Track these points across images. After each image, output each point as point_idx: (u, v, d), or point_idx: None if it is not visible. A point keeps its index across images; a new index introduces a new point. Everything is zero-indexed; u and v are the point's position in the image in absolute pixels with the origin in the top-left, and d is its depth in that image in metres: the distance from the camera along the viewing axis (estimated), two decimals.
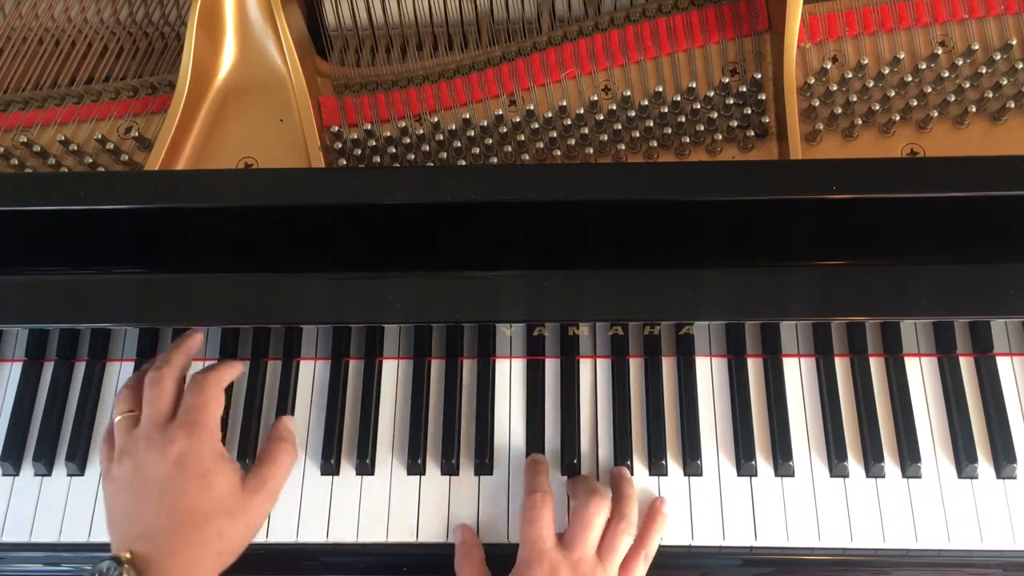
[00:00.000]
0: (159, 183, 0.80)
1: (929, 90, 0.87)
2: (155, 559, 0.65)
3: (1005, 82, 0.87)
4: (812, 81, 0.89)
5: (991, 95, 0.86)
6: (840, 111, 0.87)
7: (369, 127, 0.91)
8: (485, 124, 0.89)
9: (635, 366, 0.88)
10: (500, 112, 0.90)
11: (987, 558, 0.81)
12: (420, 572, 0.85)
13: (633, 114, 0.88)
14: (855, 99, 0.88)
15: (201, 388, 0.75)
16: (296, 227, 0.80)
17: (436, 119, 0.89)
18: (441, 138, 0.88)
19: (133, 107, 0.95)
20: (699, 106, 0.88)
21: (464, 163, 0.88)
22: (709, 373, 0.87)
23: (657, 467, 0.83)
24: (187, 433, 0.71)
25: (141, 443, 0.71)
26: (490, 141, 0.88)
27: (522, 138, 0.87)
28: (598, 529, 0.77)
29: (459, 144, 0.89)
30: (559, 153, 0.87)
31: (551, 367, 0.89)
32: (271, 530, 0.83)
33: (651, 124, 0.87)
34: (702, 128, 0.86)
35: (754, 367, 0.87)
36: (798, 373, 0.87)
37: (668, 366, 0.88)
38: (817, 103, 0.88)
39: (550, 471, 0.83)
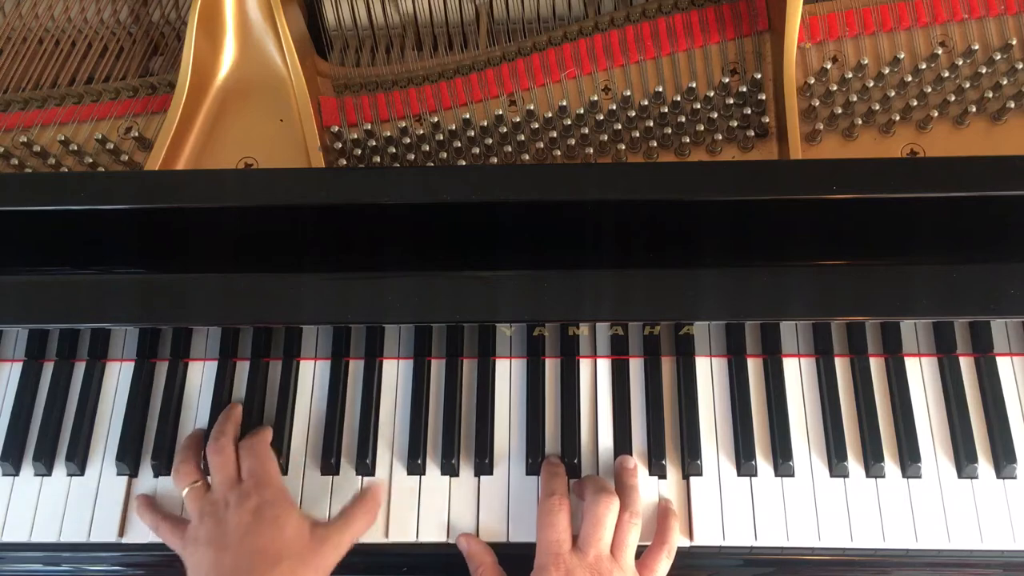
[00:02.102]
0: (159, 183, 0.80)
1: (929, 90, 0.87)
2: None
3: (1005, 82, 0.87)
4: (812, 81, 0.89)
5: (991, 95, 0.86)
6: (840, 111, 0.87)
7: (369, 127, 0.91)
8: (485, 124, 0.89)
9: (635, 366, 0.88)
10: (500, 112, 0.90)
11: (987, 558, 0.81)
12: (420, 572, 0.85)
13: (633, 114, 0.88)
14: (855, 99, 0.88)
15: (254, 452, 0.81)
16: (296, 227, 0.80)
17: (436, 119, 0.89)
18: (441, 138, 0.88)
19: (133, 107, 0.95)
20: (699, 106, 0.88)
21: (464, 163, 0.88)
22: (709, 373, 0.87)
23: (657, 467, 0.83)
24: (259, 489, 0.78)
25: (220, 502, 0.78)
26: (490, 141, 0.88)
27: (522, 138, 0.87)
28: (610, 527, 0.77)
29: (459, 144, 0.89)
30: (559, 153, 0.87)
31: (551, 367, 0.89)
32: None
33: (651, 124, 0.87)
34: (702, 128, 0.86)
35: (754, 367, 0.87)
36: (798, 373, 0.87)
37: (668, 366, 0.88)
38: (817, 103, 0.88)
39: None
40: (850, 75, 0.89)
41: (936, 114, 0.86)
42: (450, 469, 0.85)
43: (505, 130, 0.88)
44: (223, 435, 0.83)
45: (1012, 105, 0.86)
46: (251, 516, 0.75)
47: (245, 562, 0.73)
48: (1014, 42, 0.89)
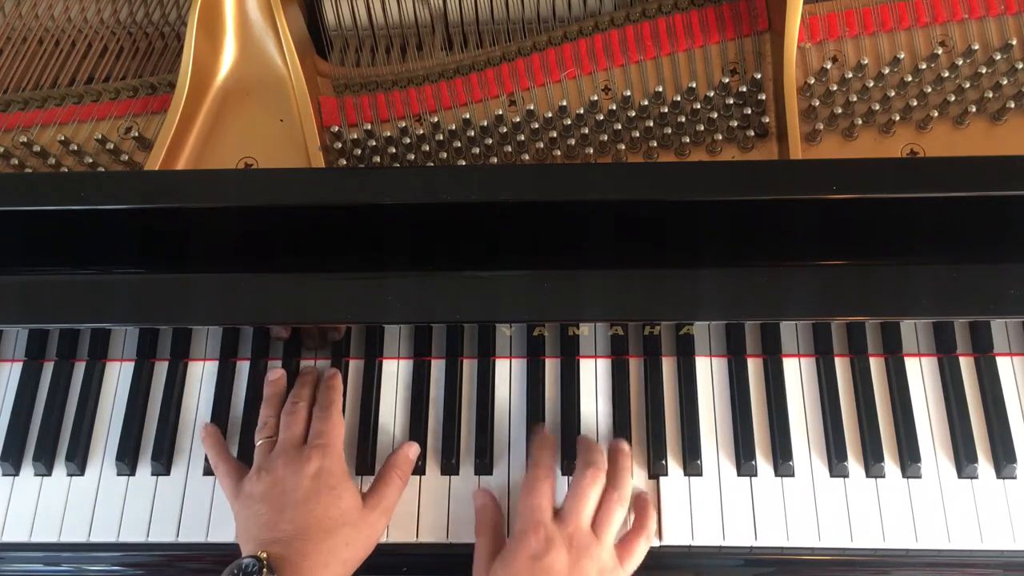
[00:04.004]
0: (159, 183, 0.80)
1: (929, 90, 0.87)
2: (289, 560, 0.72)
3: (1005, 82, 0.87)
4: (812, 81, 0.89)
5: (991, 95, 0.86)
6: (840, 111, 0.87)
7: (369, 127, 0.91)
8: (485, 124, 0.89)
9: (635, 366, 0.88)
10: (500, 112, 0.90)
11: (987, 558, 0.81)
12: (420, 572, 0.85)
13: (633, 114, 0.88)
14: (855, 99, 0.88)
15: (327, 415, 0.82)
16: (296, 227, 0.80)
17: (436, 119, 0.89)
18: (441, 138, 0.88)
19: (133, 107, 0.95)
20: (699, 106, 0.88)
21: (464, 163, 0.88)
22: (709, 373, 0.87)
23: (657, 467, 0.83)
24: (321, 454, 0.78)
25: (279, 461, 0.79)
26: (490, 141, 0.88)
27: (522, 138, 0.87)
28: (593, 500, 0.77)
29: (459, 144, 0.89)
30: (559, 153, 0.87)
31: (551, 367, 0.89)
32: None
33: (651, 124, 0.87)
34: (702, 128, 0.86)
35: (754, 367, 0.87)
36: (798, 373, 0.87)
37: (668, 366, 0.88)
38: (817, 103, 0.88)
39: None
40: (850, 75, 0.89)
41: (936, 114, 0.86)
42: (450, 469, 0.85)
43: (505, 130, 0.88)
44: (300, 399, 0.84)
45: (1012, 105, 0.86)
46: (310, 481, 0.76)
47: (301, 527, 0.74)
48: (1014, 42, 0.89)
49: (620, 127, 0.88)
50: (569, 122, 0.88)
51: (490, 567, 0.76)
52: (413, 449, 0.84)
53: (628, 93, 0.88)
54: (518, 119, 0.87)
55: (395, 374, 0.89)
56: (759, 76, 0.88)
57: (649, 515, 0.81)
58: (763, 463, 0.83)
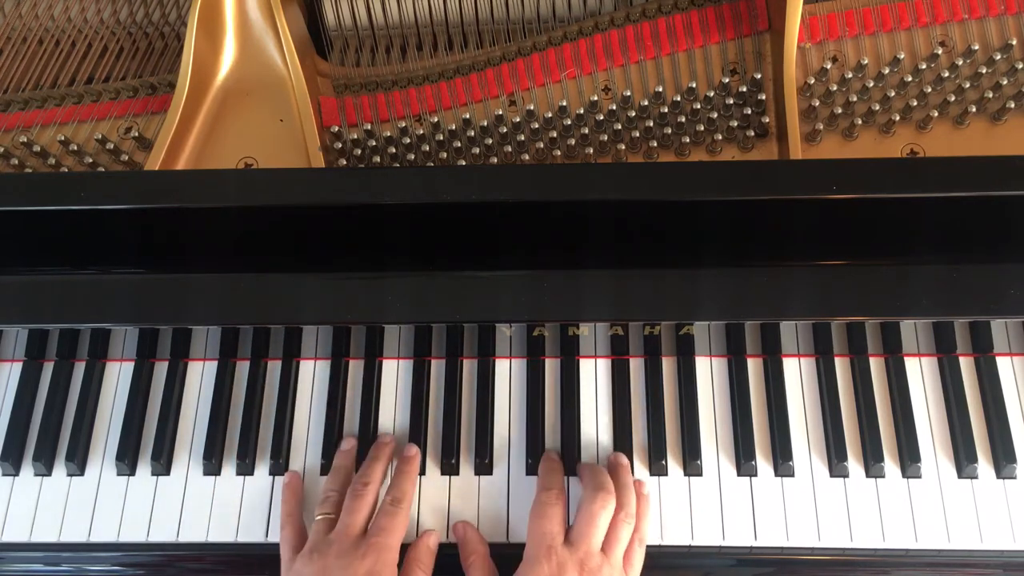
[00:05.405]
0: (159, 183, 0.80)
1: (929, 90, 0.87)
2: None
3: (1005, 82, 0.87)
4: (812, 81, 0.89)
5: (991, 95, 0.86)
6: (840, 111, 0.87)
7: (369, 127, 0.91)
8: (485, 124, 0.89)
9: (635, 366, 0.88)
10: (500, 112, 0.90)
11: (987, 558, 0.81)
12: None
13: (633, 114, 0.88)
14: (855, 99, 0.88)
15: (395, 511, 0.79)
16: (296, 227, 0.80)
17: (436, 119, 0.89)
18: (441, 138, 0.88)
19: (133, 107, 0.95)
20: (699, 106, 0.88)
21: (464, 163, 0.88)
22: (709, 373, 0.87)
23: (657, 467, 0.83)
24: (376, 553, 0.75)
25: (334, 547, 0.76)
26: (490, 141, 0.88)
27: (522, 138, 0.87)
28: (604, 525, 0.77)
29: (459, 144, 0.89)
30: (559, 153, 0.87)
31: (551, 367, 0.89)
32: (270, 531, 0.83)
33: (651, 124, 0.87)
34: (702, 128, 0.86)
35: (754, 367, 0.87)
36: (798, 373, 0.87)
37: (668, 366, 0.88)
38: (817, 103, 0.88)
39: None
40: (850, 75, 0.89)
41: (936, 114, 0.86)
42: (450, 469, 0.85)
43: (505, 130, 0.88)
44: (371, 481, 0.80)
45: (1012, 105, 0.86)
46: None
47: None
48: (1014, 42, 0.89)
49: (620, 127, 0.88)
50: (569, 122, 0.88)
51: None
52: (433, 538, 0.82)
53: (628, 93, 0.88)
54: (518, 119, 0.87)
55: (395, 374, 0.89)
56: (759, 76, 0.88)
57: (642, 518, 0.80)
58: (763, 463, 0.83)
